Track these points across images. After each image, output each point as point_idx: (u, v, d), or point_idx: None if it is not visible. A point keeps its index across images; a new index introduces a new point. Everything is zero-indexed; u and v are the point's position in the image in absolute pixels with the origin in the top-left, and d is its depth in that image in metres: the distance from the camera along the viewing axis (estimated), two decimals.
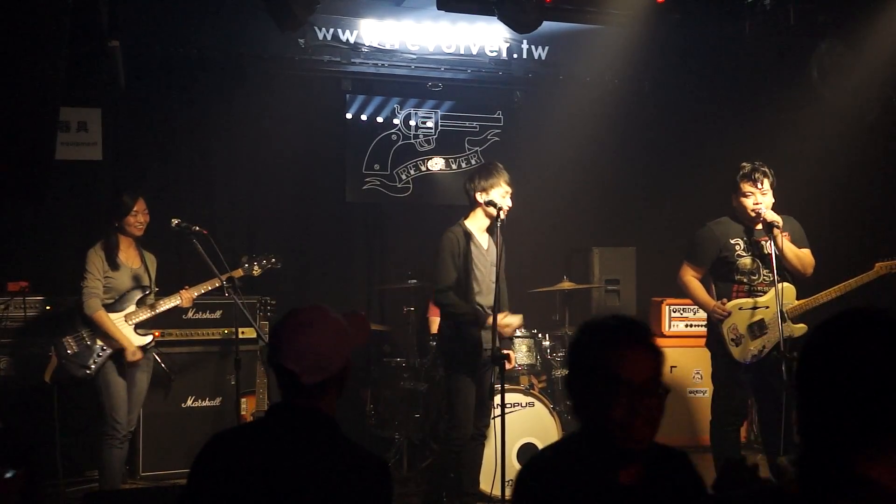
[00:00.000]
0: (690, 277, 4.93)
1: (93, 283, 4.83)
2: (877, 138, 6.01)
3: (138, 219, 4.91)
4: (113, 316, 4.86)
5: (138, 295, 4.97)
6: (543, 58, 7.18)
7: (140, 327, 4.94)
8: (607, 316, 2.01)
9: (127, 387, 4.88)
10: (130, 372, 4.89)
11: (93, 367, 4.77)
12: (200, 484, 2.09)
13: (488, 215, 4.87)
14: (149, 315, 4.96)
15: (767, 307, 4.63)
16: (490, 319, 4.67)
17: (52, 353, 4.77)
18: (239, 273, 5.19)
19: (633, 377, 1.89)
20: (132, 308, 4.93)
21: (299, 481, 2.04)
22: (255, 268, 5.28)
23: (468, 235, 4.89)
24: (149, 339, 4.97)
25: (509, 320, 4.75)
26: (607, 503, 1.93)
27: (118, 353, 4.84)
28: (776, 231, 4.54)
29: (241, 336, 5.25)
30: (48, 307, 5.53)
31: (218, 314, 5.91)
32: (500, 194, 4.79)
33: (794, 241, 4.71)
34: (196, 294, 5.10)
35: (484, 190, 4.84)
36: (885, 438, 1.26)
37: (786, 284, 4.65)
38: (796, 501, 1.31)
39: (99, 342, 4.82)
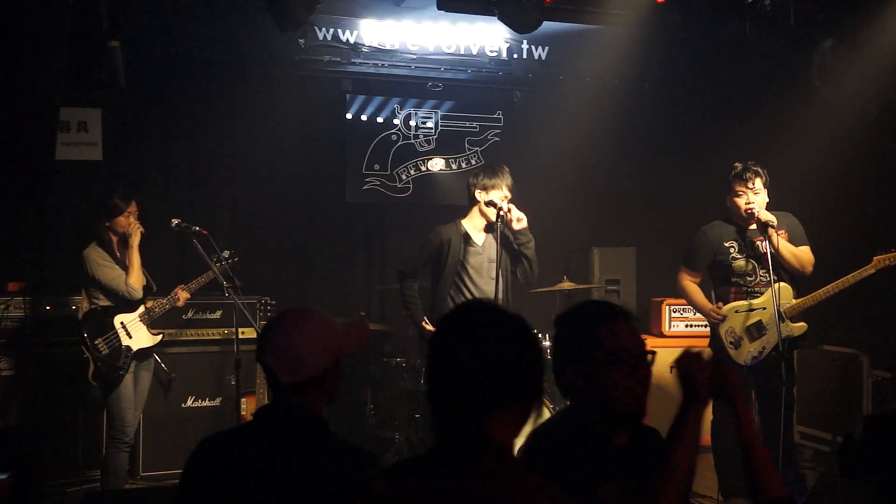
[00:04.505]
0: (688, 282, 4.94)
1: (115, 272, 4.79)
2: (877, 138, 6.01)
3: (130, 220, 4.88)
4: (128, 316, 4.86)
5: (146, 294, 4.97)
6: (543, 58, 7.18)
7: (153, 326, 4.96)
8: (584, 301, 2.26)
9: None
10: (136, 372, 4.89)
11: (123, 366, 4.78)
12: (192, 487, 2.12)
13: (485, 215, 4.88)
14: (160, 312, 4.99)
15: (765, 308, 4.63)
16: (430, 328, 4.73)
17: (87, 356, 4.74)
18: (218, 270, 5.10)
19: (632, 346, 2.12)
20: (142, 308, 4.94)
21: (289, 481, 2.05)
22: (217, 267, 5.11)
23: (463, 234, 4.89)
24: (160, 337, 5.01)
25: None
26: (606, 461, 2.12)
27: (139, 352, 4.86)
28: (771, 230, 4.53)
29: (241, 336, 5.25)
30: (48, 307, 5.53)
31: (218, 314, 5.91)
32: (500, 197, 4.80)
33: (791, 239, 4.69)
34: (193, 287, 5.11)
35: (484, 189, 4.85)
36: (497, 405, 1.60)
37: (782, 284, 4.63)
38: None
39: (125, 343, 4.81)
